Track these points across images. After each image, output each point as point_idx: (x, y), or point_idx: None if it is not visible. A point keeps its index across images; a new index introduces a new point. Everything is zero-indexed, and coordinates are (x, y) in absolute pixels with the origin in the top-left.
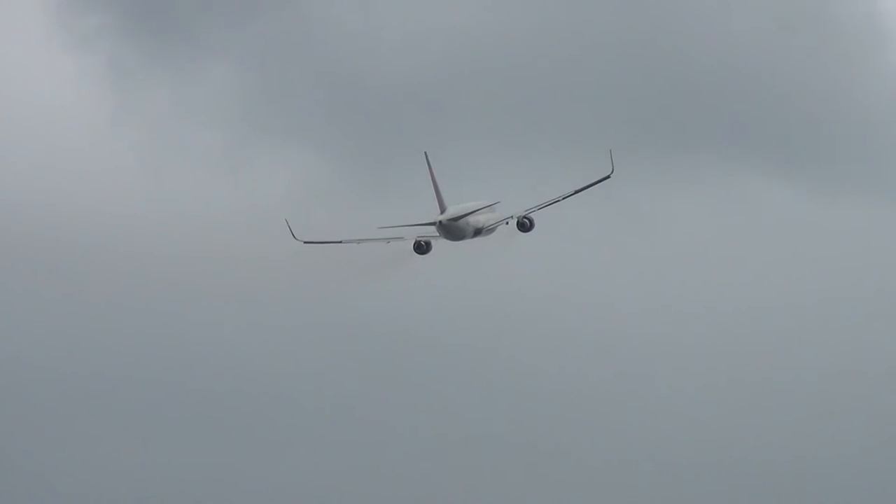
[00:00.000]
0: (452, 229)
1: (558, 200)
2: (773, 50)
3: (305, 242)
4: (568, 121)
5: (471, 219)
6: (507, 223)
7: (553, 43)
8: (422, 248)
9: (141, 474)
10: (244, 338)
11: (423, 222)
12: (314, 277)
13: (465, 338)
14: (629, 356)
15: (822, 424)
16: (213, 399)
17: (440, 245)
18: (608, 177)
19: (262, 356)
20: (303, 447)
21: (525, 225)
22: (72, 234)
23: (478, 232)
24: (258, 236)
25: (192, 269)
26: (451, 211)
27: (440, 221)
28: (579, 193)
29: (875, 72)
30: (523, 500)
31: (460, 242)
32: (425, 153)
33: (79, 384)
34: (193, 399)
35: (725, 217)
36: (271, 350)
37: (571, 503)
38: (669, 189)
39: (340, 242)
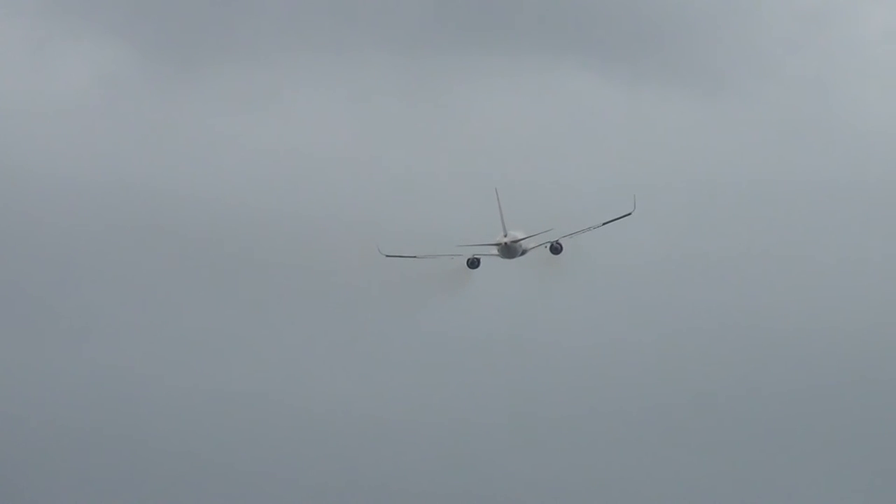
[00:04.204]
0: (511, 249)
1: (586, 231)
2: None
3: (387, 256)
4: (388, 19)
5: (522, 242)
6: (546, 247)
7: None
8: (474, 264)
9: None
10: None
11: (490, 243)
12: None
13: None
14: None
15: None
16: None
17: (488, 262)
18: (629, 214)
19: None
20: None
21: (556, 249)
22: None
23: (524, 252)
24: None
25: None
26: (511, 235)
27: (505, 243)
28: (605, 226)
29: None
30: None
31: (509, 260)
32: (496, 189)
33: None
34: None
35: (544, 111)
36: None
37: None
38: (490, 85)
39: (415, 257)
